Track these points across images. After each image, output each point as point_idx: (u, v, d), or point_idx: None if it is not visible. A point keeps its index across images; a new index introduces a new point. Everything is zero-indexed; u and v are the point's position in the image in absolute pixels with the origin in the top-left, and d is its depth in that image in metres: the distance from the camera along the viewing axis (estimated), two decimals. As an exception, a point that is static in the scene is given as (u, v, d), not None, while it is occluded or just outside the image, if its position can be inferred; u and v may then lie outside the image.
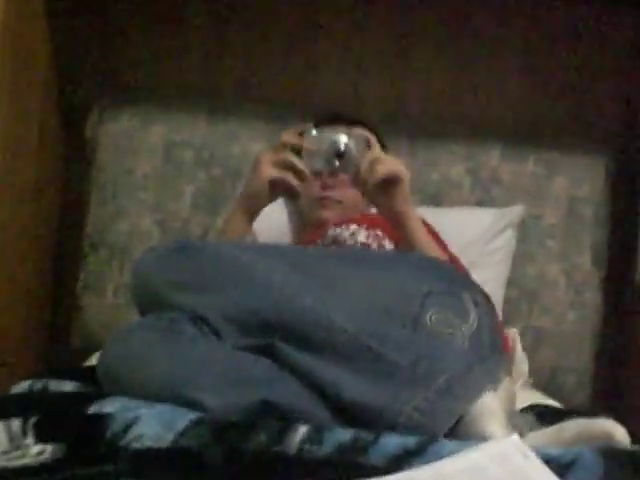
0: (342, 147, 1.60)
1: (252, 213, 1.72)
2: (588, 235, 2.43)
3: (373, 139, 1.64)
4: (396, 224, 1.68)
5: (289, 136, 1.65)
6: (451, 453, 0.97)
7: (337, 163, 1.60)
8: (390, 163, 1.61)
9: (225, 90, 2.50)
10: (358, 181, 1.61)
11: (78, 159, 2.44)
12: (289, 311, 1.23)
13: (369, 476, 0.93)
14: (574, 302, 2.41)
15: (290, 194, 1.66)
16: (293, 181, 1.61)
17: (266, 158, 1.64)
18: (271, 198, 1.67)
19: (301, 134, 1.63)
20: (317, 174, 1.61)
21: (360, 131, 1.67)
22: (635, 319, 2.49)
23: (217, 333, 1.27)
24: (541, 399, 1.95)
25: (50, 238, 2.46)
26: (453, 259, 1.85)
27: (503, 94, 2.57)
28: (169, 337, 1.26)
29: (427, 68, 2.56)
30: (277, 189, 1.65)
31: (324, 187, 1.97)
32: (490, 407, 1.08)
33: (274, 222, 1.75)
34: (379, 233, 1.85)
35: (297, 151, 1.62)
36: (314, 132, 1.62)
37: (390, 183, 1.61)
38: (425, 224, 1.91)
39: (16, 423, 1.13)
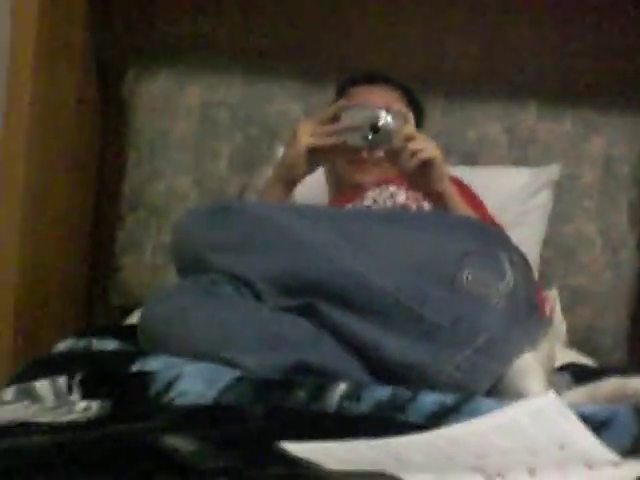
0: (380, 123, 1.60)
1: (290, 184, 1.71)
2: (625, 194, 2.41)
3: (410, 114, 1.64)
4: (435, 203, 1.69)
5: (327, 111, 1.67)
6: (489, 410, 0.98)
7: (374, 139, 1.60)
8: (422, 143, 1.60)
9: (261, 49, 2.49)
10: (393, 159, 1.62)
11: (115, 120, 2.46)
12: (330, 273, 1.24)
13: (407, 433, 0.94)
14: (610, 262, 2.39)
15: (328, 163, 1.66)
16: (330, 144, 1.63)
17: (304, 128, 1.65)
18: (309, 168, 1.67)
19: (339, 109, 1.64)
20: (354, 150, 1.64)
21: (398, 106, 1.68)
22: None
23: (256, 294, 1.28)
24: (577, 358, 1.95)
25: (88, 200, 2.49)
26: (492, 222, 1.85)
27: (541, 52, 2.54)
28: (208, 299, 1.28)
29: (464, 25, 2.53)
30: (315, 158, 1.66)
31: None
32: (529, 366, 1.09)
33: (311, 183, 1.75)
34: (418, 194, 1.85)
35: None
36: (352, 107, 1.64)
37: (424, 166, 1.60)
38: (462, 185, 1.91)
39: (62, 380, 1.16)
